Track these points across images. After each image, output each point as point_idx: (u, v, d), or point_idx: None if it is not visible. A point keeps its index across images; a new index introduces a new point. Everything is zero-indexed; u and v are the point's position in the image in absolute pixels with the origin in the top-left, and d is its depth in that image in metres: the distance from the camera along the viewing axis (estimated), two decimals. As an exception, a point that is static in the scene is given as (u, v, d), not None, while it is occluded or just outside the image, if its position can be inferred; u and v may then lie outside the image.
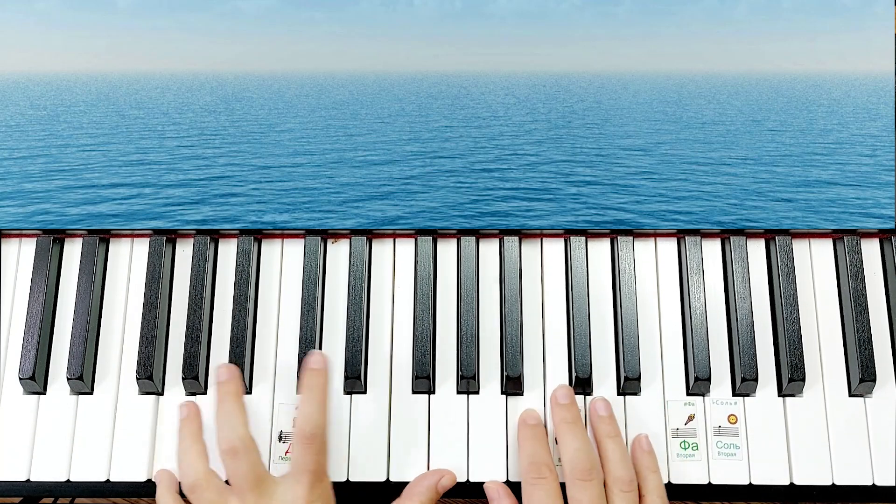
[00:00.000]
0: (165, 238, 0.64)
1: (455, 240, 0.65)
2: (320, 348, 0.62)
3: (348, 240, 0.65)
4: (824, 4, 0.90)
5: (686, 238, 0.64)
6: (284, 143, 0.87)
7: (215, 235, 0.65)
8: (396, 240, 0.65)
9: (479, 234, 0.64)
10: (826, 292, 0.64)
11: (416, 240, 0.64)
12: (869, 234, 0.64)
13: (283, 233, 0.65)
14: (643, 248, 0.65)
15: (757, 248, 0.65)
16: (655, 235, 0.65)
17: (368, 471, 0.59)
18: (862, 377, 0.60)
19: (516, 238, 0.64)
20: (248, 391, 0.61)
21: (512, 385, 0.61)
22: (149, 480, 0.59)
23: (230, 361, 0.60)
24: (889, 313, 0.63)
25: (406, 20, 0.87)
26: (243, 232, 0.64)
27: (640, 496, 0.56)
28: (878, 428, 0.60)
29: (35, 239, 0.64)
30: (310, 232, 0.64)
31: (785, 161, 0.83)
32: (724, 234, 0.64)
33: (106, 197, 0.74)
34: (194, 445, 0.57)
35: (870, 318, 0.61)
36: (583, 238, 0.64)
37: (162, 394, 0.61)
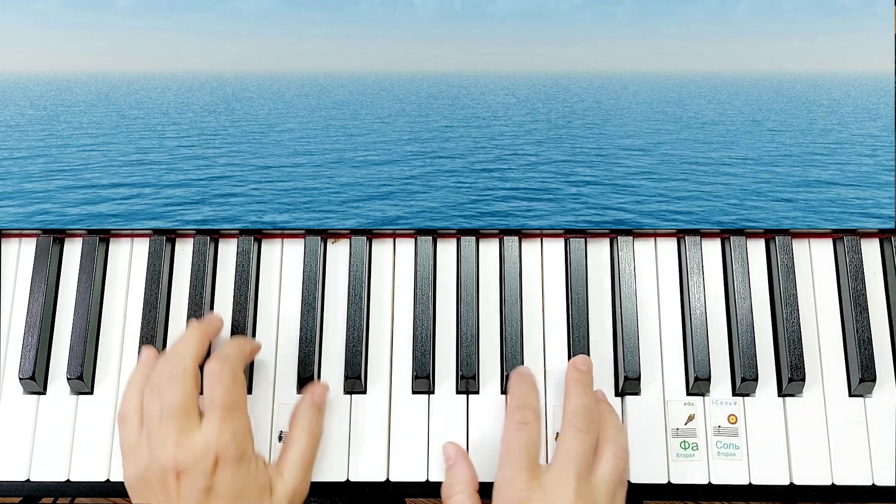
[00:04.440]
0: (165, 238, 0.64)
1: (455, 240, 0.65)
2: (320, 348, 0.62)
3: (348, 240, 0.65)
4: (824, 4, 0.89)
5: (686, 238, 0.64)
6: (284, 143, 0.87)
7: (215, 235, 0.65)
8: (396, 240, 0.65)
9: (479, 234, 0.64)
10: (826, 292, 0.64)
11: (416, 240, 0.64)
12: (869, 234, 0.64)
13: (283, 233, 0.65)
14: (643, 248, 0.65)
15: (757, 248, 0.65)
16: (655, 235, 0.65)
17: (368, 471, 0.59)
18: (862, 377, 0.60)
19: (516, 238, 0.64)
20: (248, 391, 0.61)
21: (512, 385, 0.61)
22: (149, 480, 0.59)
23: (230, 361, 0.60)
24: (889, 313, 0.63)
25: (406, 20, 0.87)
26: (243, 232, 0.64)
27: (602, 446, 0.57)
28: (877, 428, 0.60)
29: (35, 239, 0.64)
30: (310, 232, 0.64)
31: (785, 161, 0.83)
32: (724, 234, 0.64)
33: (106, 197, 0.74)
34: (138, 382, 0.56)
35: (870, 318, 0.61)
36: (583, 238, 0.64)
37: (162, 394, 0.61)
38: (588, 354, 0.61)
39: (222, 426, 0.52)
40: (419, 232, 0.64)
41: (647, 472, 0.59)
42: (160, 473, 0.52)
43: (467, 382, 0.61)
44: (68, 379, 0.61)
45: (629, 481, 0.59)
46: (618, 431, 0.57)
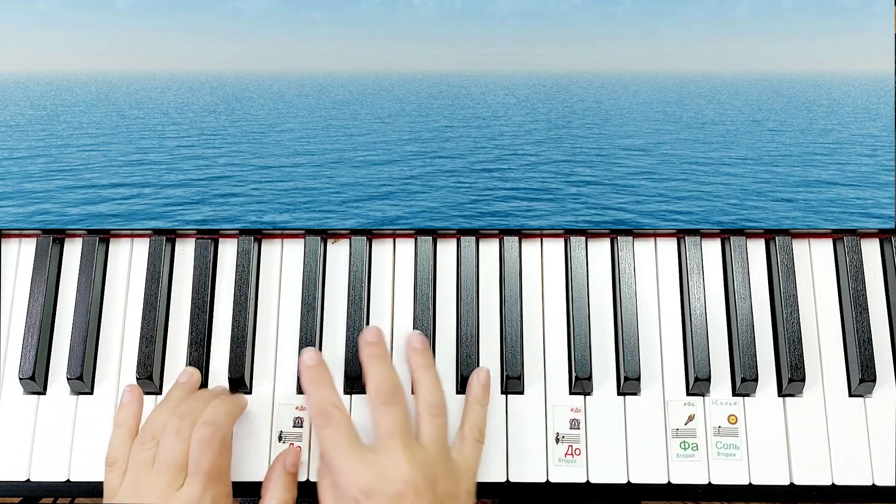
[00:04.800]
0: (165, 238, 0.64)
1: (455, 240, 0.65)
2: (320, 348, 0.62)
3: (348, 240, 0.65)
4: (824, 4, 0.89)
5: (686, 238, 0.64)
6: (284, 143, 0.87)
7: (215, 235, 0.65)
8: (396, 240, 0.65)
9: (479, 234, 0.64)
10: (826, 292, 0.64)
11: (416, 240, 0.64)
12: (869, 234, 0.64)
13: (283, 233, 0.65)
14: (643, 248, 0.65)
15: (757, 248, 0.65)
16: (655, 235, 0.65)
17: (368, 471, 0.59)
18: (862, 377, 0.60)
19: (516, 238, 0.64)
20: (249, 391, 0.61)
21: (512, 385, 0.61)
22: (149, 480, 0.59)
23: (230, 361, 0.60)
24: (889, 313, 0.63)
25: (406, 20, 0.87)
26: (243, 232, 0.64)
27: (461, 427, 0.58)
28: (877, 428, 0.60)
29: (35, 239, 0.64)
30: (310, 232, 0.64)
31: (785, 161, 0.83)
32: (724, 234, 0.64)
33: (106, 197, 0.74)
34: (125, 425, 0.57)
35: (870, 318, 0.61)
36: (583, 238, 0.64)
37: (161, 393, 0.61)
38: (588, 354, 0.61)
39: (204, 493, 0.53)
40: (419, 232, 0.64)
41: (647, 472, 0.59)
42: None
43: (467, 383, 0.61)
44: (68, 379, 0.61)
45: (629, 481, 0.59)
46: (429, 390, 0.57)
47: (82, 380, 0.60)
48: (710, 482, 0.59)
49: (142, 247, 0.65)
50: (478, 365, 0.61)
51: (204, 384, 0.61)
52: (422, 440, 0.55)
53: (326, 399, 0.56)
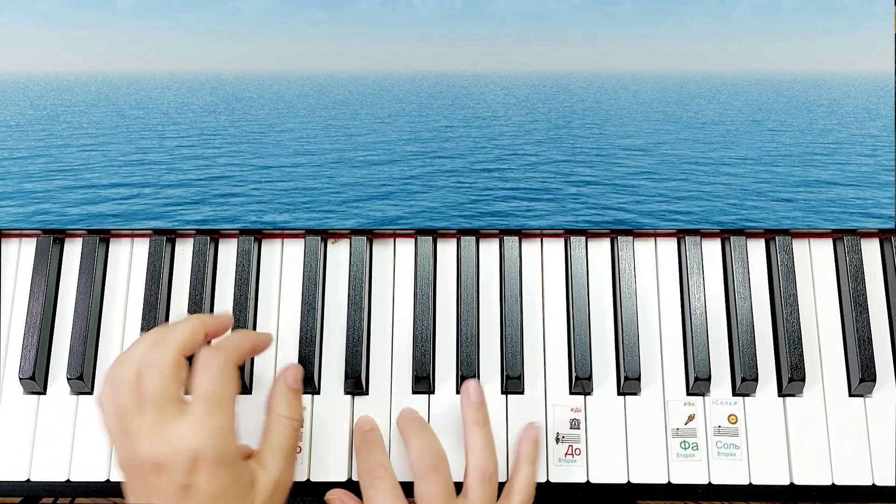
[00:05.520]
0: (165, 238, 0.64)
1: (455, 240, 0.65)
2: (320, 348, 0.62)
3: (348, 240, 0.65)
4: (824, 4, 0.89)
5: (686, 238, 0.64)
6: (284, 143, 0.87)
7: (215, 235, 0.65)
8: (396, 240, 0.65)
9: (479, 234, 0.64)
10: (826, 292, 0.64)
11: (416, 240, 0.64)
12: (869, 234, 0.64)
13: (283, 233, 0.65)
14: (643, 248, 0.65)
15: (757, 248, 0.65)
16: (655, 235, 0.65)
17: (368, 471, 0.59)
18: (862, 377, 0.60)
19: (516, 238, 0.64)
20: (248, 391, 0.61)
21: (512, 385, 0.61)
22: (149, 480, 0.59)
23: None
24: (889, 313, 0.63)
25: (406, 20, 0.87)
26: (243, 232, 0.64)
27: (510, 486, 0.57)
28: (877, 428, 0.60)
29: (35, 239, 0.64)
30: (310, 232, 0.64)
31: (785, 161, 0.83)
32: (724, 234, 0.64)
33: (106, 197, 0.74)
34: (191, 333, 0.53)
35: (870, 318, 0.61)
36: (583, 238, 0.64)
37: (162, 394, 0.61)
38: (588, 354, 0.61)
39: (203, 422, 0.49)
40: (419, 232, 0.64)
41: (647, 472, 0.59)
42: (137, 466, 0.49)
43: (467, 382, 0.61)
44: (68, 379, 0.61)
45: (629, 481, 0.59)
46: (481, 452, 0.57)
47: (82, 380, 0.60)
48: (710, 482, 0.59)
49: (142, 247, 0.65)
50: (478, 365, 0.61)
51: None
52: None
53: (377, 461, 0.57)
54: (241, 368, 0.60)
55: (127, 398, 0.50)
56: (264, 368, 0.62)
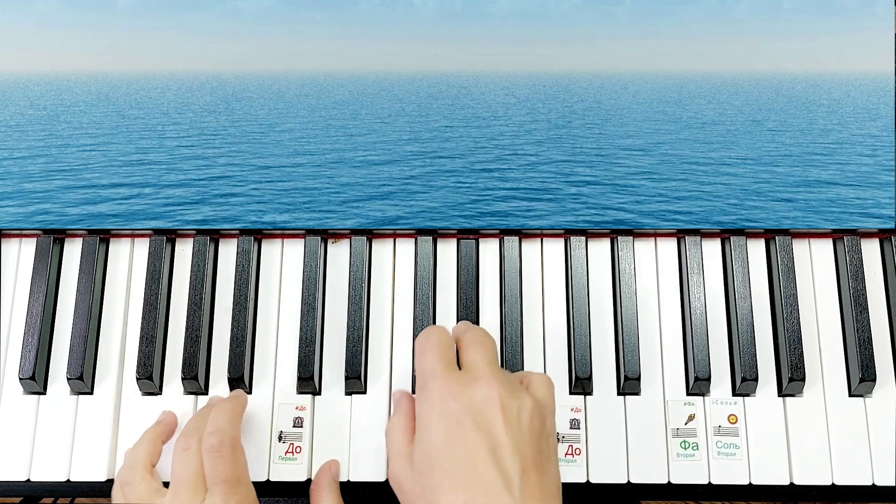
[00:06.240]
0: (165, 238, 0.64)
1: (455, 240, 0.65)
2: (321, 348, 0.62)
3: (348, 240, 0.65)
4: (824, 4, 0.89)
5: (686, 238, 0.64)
6: (284, 143, 0.87)
7: (215, 235, 0.65)
8: (396, 240, 0.65)
9: (479, 234, 0.64)
10: (826, 292, 0.64)
11: (416, 240, 0.64)
12: (869, 234, 0.64)
13: (283, 233, 0.65)
14: (643, 248, 0.65)
15: (757, 248, 0.65)
16: (655, 235, 0.65)
17: (368, 471, 0.59)
18: (862, 377, 0.60)
19: (516, 238, 0.64)
20: (249, 391, 0.61)
21: (512, 385, 0.61)
22: (149, 480, 0.59)
23: (230, 361, 0.60)
24: (889, 313, 0.63)
25: (406, 20, 0.87)
26: (243, 232, 0.64)
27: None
28: (878, 428, 0.60)
29: (35, 239, 0.64)
30: (310, 232, 0.64)
31: (785, 161, 0.83)
32: (724, 234, 0.64)
33: (106, 197, 0.74)
34: (149, 444, 0.57)
35: (870, 318, 0.61)
36: (583, 238, 0.64)
37: (161, 394, 0.61)
38: (588, 354, 0.61)
39: (227, 500, 0.52)
40: (419, 232, 0.64)
41: (647, 471, 0.59)
42: None
43: (467, 382, 0.61)
44: (68, 379, 0.61)
45: (629, 481, 0.59)
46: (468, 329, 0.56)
47: (82, 380, 0.60)
48: (710, 482, 0.59)
49: (142, 247, 0.65)
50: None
51: (204, 384, 0.61)
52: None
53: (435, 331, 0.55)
54: (242, 377, 0.60)
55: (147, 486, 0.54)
56: (265, 368, 0.62)
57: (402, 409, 0.55)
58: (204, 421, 0.56)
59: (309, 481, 0.59)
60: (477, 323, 0.62)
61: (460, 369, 0.53)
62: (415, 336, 0.61)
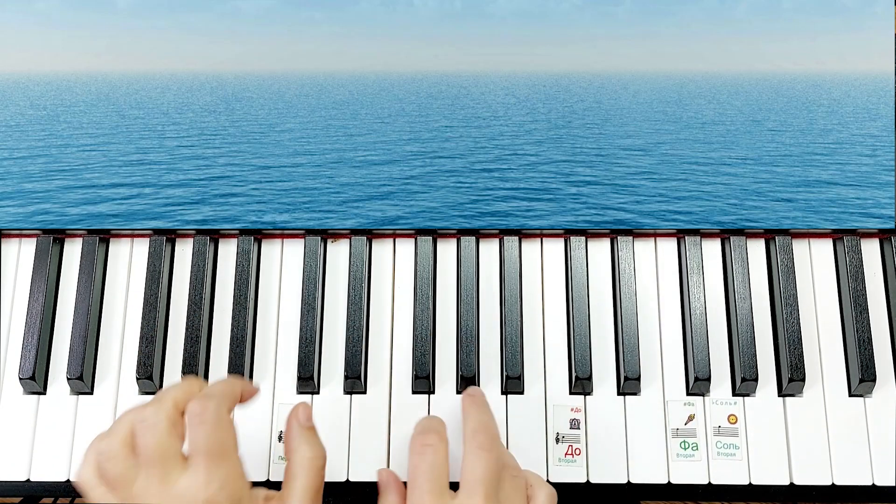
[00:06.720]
0: (165, 238, 0.64)
1: (455, 240, 0.65)
2: (320, 348, 0.62)
3: (348, 240, 0.65)
4: (824, 4, 0.89)
5: (686, 238, 0.64)
6: (284, 143, 0.87)
7: (215, 235, 0.65)
8: (396, 240, 0.65)
9: (479, 234, 0.64)
10: (826, 292, 0.64)
11: (416, 240, 0.64)
12: (869, 234, 0.64)
13: (283, 233, 0.65)
14: (643, 248, 0.65)
15: (757, 248, 0.65)
16: (655, 235, 0.65)
17: (368, 471, 0.59)
18: (862, 377, 0.60)
19: (516, 238, 0.64)
20: (248, 391, 0.61)
21: (512, 385, 0.61)
22: (149, 480, 0.59)
23: (230, 361, 0.61)
24: (889, 313, 0.63)
25: (406, 20, 0.87)
26: (243, 232, 0.64)
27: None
28: (878, 428, 0.60)
29: (35, 239, 0.64)
30: (310, 232, 0.64)
31: (785, 161, 0.83)
32: (724, 234, 0.64)
33: (106, 197, 0.74)
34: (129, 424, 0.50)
35: (870, 318, 0.61)
36: (583, 238, 0.64)
37: (162, 394, 0.61)
38: (588, 354, 0.61)
39: (209, 475, 0.46)
40: (419, 232, 0.64)
41: (647, 472, 0.59)
42: None
43: (467, 382, 0.61)
44: (68, 379, 0.61)
45: (629, 481, 0.59)
46: (509, 455, 0.55)
47: (82, 380, 0.60)
48: (710, 482, 0.59)
49: (142, 247, 0.65)
50: (478, 365, 0.61)
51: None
52: (500, 496, 0.51)
53: (431, 425, 0.54)
54: (243, 371, 0.60)
55: (121, 466, 0.47)
56: (265, 368, 0.62)
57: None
58: (173, 389, 0.50)
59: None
60: (477, 322, 0.62)
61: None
62: (415, 336, 0.61)
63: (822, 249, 0.65)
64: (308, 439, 0.52)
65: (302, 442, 0.52)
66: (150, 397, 0.61)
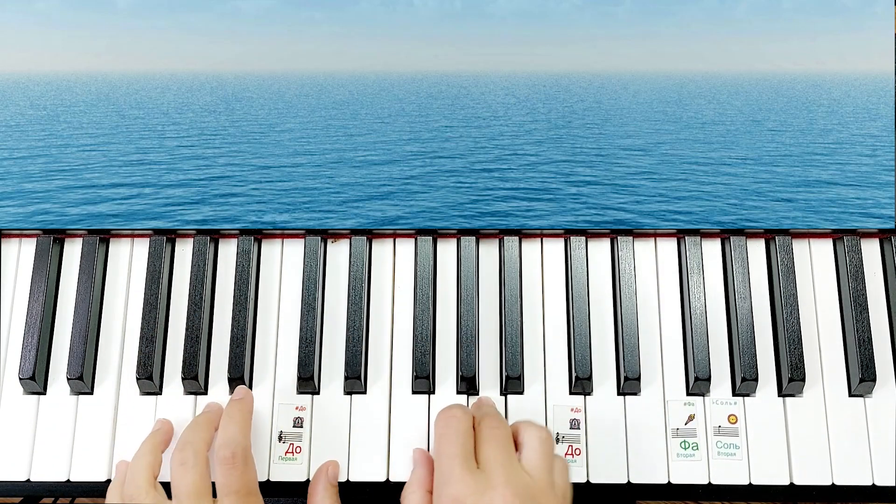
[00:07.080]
0: (165, 238, 0.64)
1: (455, 240, 0.65)
2: (320, 348, 0.62)
3: (348, 240, 0.65)
4: (824, 4, 0.89)
5: (686, 238, 0.64)
6: (284, 143, 0.87)
7: (215, 235, 0.65)
8: (396, 240, 0.65)
9: (479, 234, 0.64)
10: (826, 292, 0.64)
11: (416, 240, 0.64)
12: (869, 234, 0.64)
13: (283, 233, 0.65)
14: (643, 248, 0.65)
15: (757, 248, 0.65)
16: (655, 235, 0.65)
17: (368, 471, 0.59)
18: (862, 377, 0.60)
19: (516, 238, 0.64)
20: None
21: (512, 385, 0.61)
22: (149, 480, 0.59)
23: (230, 361, 0.60)
24: (889, 313, 0.63)
25: (406, 20, 0.87)
26: (243, 232, 0.64)
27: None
28: (878, 428, 0.60)
29: (35, 239, 0.64)
30: (310, 232, 0.64)
31: (785, 161, 0.83)
32: (724, 234, 0.64)
33: (106, 197, 0.74)
34: (149, 456, 0.56)
35: (870, 318, 0.61)
36: (583, 238, 0.64)
37: (161, 394, 0.61)
38: (588, 354, 0.61)
39: None
40: (419, 232, 0.64)
41: (647, 471, 0.59)
42: None
43: (467, 382, 0.61)
44: (68, 379, 0.61)
45: (629, 481, 0.59)
46: (532, 425, 0.56)
47: (82, 380, 0.60)
48: (710, 482, 0.59)
49: (142, 247, 0.65)
50: (478, 365, 0.61)
51: (204, 384, 0.61)
52: (523, 462, 0.53)
53: (457, 404, 0.57)
54: (242, 377, 0.60)
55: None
56: (265, 368, 0.62)
57: (419, 478, 0.55)
58: (198, 432, 0.56)
59: (308, 482, 0.59)
60: (477, 322, 0.62)
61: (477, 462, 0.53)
62: (415, 336, 0.61)
63: (822, 249, 0.65)
64: (331, 498, 0.57)
65: (325, 499, 0.57)
66: (150, 397, 0.61)
